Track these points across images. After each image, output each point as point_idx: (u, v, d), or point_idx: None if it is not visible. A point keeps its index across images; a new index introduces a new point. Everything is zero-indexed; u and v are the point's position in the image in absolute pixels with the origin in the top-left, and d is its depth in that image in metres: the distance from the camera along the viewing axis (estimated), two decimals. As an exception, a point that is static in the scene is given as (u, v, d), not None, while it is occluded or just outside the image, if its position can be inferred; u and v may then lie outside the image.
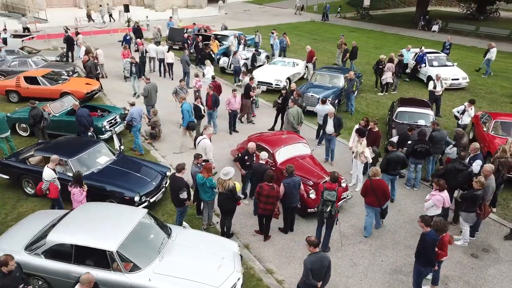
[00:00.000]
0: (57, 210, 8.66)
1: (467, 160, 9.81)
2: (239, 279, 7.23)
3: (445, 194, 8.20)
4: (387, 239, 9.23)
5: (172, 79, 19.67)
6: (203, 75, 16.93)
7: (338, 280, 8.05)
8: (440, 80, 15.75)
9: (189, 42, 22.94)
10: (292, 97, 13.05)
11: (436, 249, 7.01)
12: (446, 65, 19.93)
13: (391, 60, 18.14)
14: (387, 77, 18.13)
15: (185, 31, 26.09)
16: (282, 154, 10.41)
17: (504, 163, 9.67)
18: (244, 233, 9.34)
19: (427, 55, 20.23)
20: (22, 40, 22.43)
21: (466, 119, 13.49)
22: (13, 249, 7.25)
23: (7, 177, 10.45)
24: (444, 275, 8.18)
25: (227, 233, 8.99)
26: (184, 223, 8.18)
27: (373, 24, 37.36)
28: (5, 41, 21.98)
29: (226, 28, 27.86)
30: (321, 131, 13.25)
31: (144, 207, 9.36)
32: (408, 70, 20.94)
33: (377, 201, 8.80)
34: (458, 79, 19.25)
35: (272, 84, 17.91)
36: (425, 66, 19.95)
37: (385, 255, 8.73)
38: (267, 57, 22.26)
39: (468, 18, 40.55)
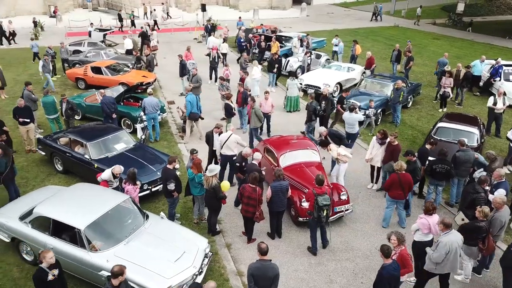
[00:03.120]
0: (62, 187, 9.53)
1: (488, 187, 8.72)
2: (196, 274, 7.32)
3: (433, 219, 7.34)
4: (377, 260, 8.51)
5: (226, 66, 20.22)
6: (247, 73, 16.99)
7: (306, 294, 7.72)
8: (503, 96, 14.00)
9: (252, 42, 23.37)
10: (251, 96, 13.65)
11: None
12: (526, 80, 17.61)
13: (450, 74, 16.45)
14: (448, 92, 16.48)
15: (255, 31, 26.62)
16: (287, 159, 10.18)
17: None
18: (231, 232, 9.37)
19: (504, 68, 18.05)
20: (104, 34, 24.78)
21: (520, 142, 11.90)
22: (12, 216, 8.22)
23: (44, 153, 11.76)
24: (428, 309, 7.39)
25: (212, 230, 9.13)
26: (161, 213, 8.47)
27: (463, 32, 34.23)
28: (89, 34, 24.56)
29: (280, 31, 27.83)
30: (349, 140, 12.69)
31: (146, 195, 9.98)
32: (481, 83, 18.90)
33: (403, 194, 8.95)
34: (536, 97, 16.87)
35: (320, 88, 17.43)
36: (500, 80, 17.82)
37: (368, 277, 8.11)
38: (327, 60, 21.68)
39: None
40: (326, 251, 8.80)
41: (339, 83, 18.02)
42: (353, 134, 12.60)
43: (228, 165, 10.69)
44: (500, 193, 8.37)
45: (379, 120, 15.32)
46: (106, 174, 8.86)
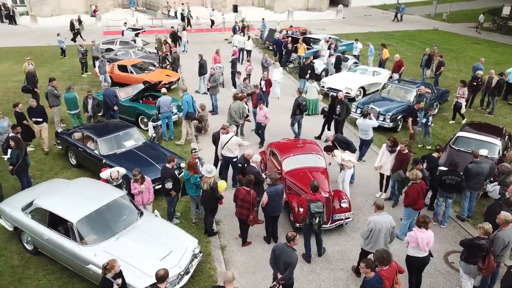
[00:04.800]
0: (67, 180, 9.86)
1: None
2: (181, 274, 7.34)
3: (423, 234, 6.94)
4: (373, 273, 8.22)
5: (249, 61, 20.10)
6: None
7: (292, 302, 7.53)
8: (535, 106, 13.13)
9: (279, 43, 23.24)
10: (236, 93, 13.54)
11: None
12: None
13: (464, 83, 15.36)
14: (460, 103, 15.36)
15: (285, 32, 26.50)
16: (290, 163, 10.00)
17: None
18: (228, 234, 9.33)
19: (543, 76, 16.94)
20: (136, 34, 25.47)
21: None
22: (16, 206, 8.59)
23: (60, 147, 12.23)
24: (418, 328, 7.03)
25: (209, 231, 9.13)
26: (156, 211, 8.56)
27: (508, 37, 32.40)
28: (122, 33, 25.37)
29: (310, 33, 27.46)
30: (363, 146, 12.34)
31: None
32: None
33: (424, 202, 8.89)
34: None
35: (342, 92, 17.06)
36: (537, 88, 16.76)
37: (360, 290, 7.81)
38: (355, 63, 21.18)
39: None
40: (321, 259, 8.57)
41: (362, 87, 17.57)
42: (367, 141, 12.21)
43: (231, 166, 10.67)
44: None
45: (400, 127, 14.79)
46: (105, 174, 9.09)
